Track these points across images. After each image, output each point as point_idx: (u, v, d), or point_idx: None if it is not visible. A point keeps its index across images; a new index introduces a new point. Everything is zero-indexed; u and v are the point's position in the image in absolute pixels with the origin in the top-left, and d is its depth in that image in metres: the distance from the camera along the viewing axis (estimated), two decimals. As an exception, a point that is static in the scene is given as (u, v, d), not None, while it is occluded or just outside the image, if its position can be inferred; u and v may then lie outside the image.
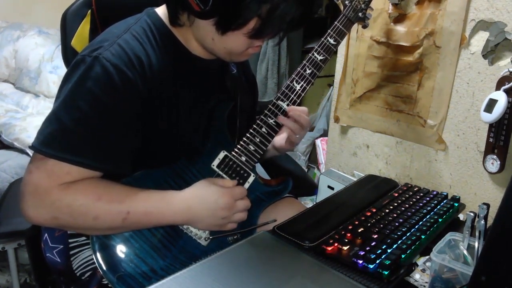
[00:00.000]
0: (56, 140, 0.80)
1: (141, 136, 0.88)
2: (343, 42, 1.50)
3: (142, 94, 0.85)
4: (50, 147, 0.79)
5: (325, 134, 2.63)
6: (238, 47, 0.87)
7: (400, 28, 1.32)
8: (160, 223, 0.88)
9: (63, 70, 0.96)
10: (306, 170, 2.72)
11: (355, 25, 1.41)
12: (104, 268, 0.85)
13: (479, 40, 1.16)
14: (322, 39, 1.04)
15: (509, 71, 1.07)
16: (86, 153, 0.81)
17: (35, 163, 0.81)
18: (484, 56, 1.15)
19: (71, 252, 0.95)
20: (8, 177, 1.80)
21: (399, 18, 1.33)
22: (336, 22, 1.06)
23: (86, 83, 0.81)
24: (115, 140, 0.84)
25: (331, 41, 1.04)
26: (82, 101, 0.80)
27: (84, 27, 1.06)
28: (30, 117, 2.16)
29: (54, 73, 2.37)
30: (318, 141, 2.32)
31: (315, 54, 1.03)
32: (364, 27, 1.16)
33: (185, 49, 0.93)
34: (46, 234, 0.99)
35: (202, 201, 0.89)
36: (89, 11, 1.06)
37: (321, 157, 2.23)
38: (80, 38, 1.05)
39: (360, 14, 1.10)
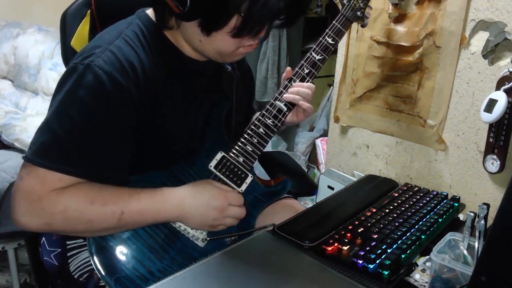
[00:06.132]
0: (48, 150, 0.79)
1: (136, 141, 0.88)
2: (343, 42, 1.50)
3: (136, 100, 0.84)
4: (41, 158, 0.79)
5: (325, 134, 2.63)
6: (226, 47, 0.87)
7: (400, 28, 1.32)
8: (155, 220, 0.88)
9: (63, 67, 0.96)
10: (306, 170, 2.72)
11: (356, 25, 1.41)
12: (101, 270, 0.85)
13: (479, 40, 1.16)
14: (320, 38, 1.04)
15: (509, 71, 1.06)
16: (77, 162, 0.81)
17: (26, 169, 0.80)
18: (484, 56, 1.15)
19: (69, 254, 0.95)
20: (8, 177, 1.79)
21: (399, 18, 1.33)
22: (334, 22, 1.06)
23: (78, 92, 0.80)
24: (107, 149, 0.83)
25: (329, 40, 1.04)
26: (74, 110, 0.80)
27: (84, 27, 1.06)
28: (31, 117, 2.16)
29: (54, 70, 2.35)
30: (318, 141, 2.32)
31: (313, 54, 1.03)
32: (363, 26, 1.16)
33: (179, 51, 0.93)
34: (43, 238, 0.99)
35: (195, 198, 0.88)
36: (89, 11, 1.06)
37: (321, 157, 2.23)
38: (80, 38, 1.05)
39: (358, 13, 1.09)
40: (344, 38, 1.47)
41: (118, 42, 0.86)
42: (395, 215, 1.02)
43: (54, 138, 0.80)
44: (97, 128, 0.82)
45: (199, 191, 0.89)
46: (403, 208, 1.05)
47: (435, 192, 1.14)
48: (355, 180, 1.37)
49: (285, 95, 1.00)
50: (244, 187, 0.97)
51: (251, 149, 0.97)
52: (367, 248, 0.87)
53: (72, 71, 0.82)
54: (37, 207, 0.79)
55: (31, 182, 0.79)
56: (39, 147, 0.80)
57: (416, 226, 0.98)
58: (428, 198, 1.11)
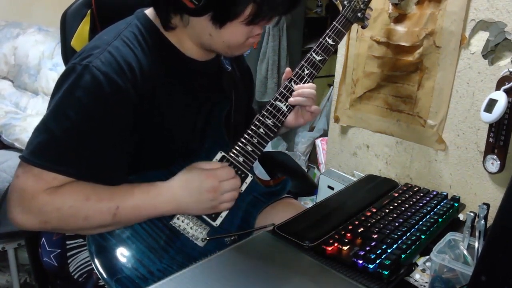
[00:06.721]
0: (44, 150, 0.79)
1: (135, 142, 0.88)
2: (343, 42, 1.50)
3: (134, 101, 0.84)
4: (38, 157, 0.79)
5: (325, 134, 2.63)
6: (237, 38, 0.87)
7: (400, 28, 1.32)
8: (151, 215, 0.88)
9: (63, 67, 0.96)
10: (306, 170, 2.72)
11: (355, 25, 1.41)
12: (101, 269, 0.85)
13: (479, 40, 1.16)
14: (321, 39, 1.04)
15: (509, 71, 1.06)
16: (74, 163, 0.81)
17: (22, 168, 0.80)
18: (484, 56, 1.15)
19: (69, 254, 0.95)
20: (8, 177, 1.79)
21: (399, 18, 1.33)
22: (334, 23, 1.06)
23: (76, 92, 0.80)
24: (105, 150, 0.83)
25: (330, 41, 1.04)
26: (71, 110, 0.80)
27: (84, 27, 1.06)
28: (31, 117, 2.16)
29: (54, 70, 2.36)
30: (318, 141, 2.32)
31: (313, 55, 1.03)
32: (363, 27, 1.16)
33: (178, 51, 0.92)
34: (43, 238, 0.99)
35: (186, 188, 0.88)
36: (89, 11, 1.06)
37: (321, 157, 2.23)
38: (80, 38, 1.05)
39: (359, 14, 1.09)
40: (344, 38, 1.47)
41: (116, 43, 0.86)
42: (395, 215, 1.02)
43: (51, 138, 0.80)
44: (94, 129, 0.82)
45: (189, 179, 0.89)
46: (403, 208, 1.05)
47: (435, 192, 1.14)
48: (355, 180, 1.37)
49: (290, 99, 1.00)
50: (244, 187, 0.97)
51: (251, 149, 0.97)
52: (367, 248, 0.87)
53: (70, 71, 0.83)
54: (32, 205, 0.79)
55: (26, 181, 0.79)
56: (36, 146, 0.80)
57: (416, 226, 0.98)
58: (428, 198, 1.11)
